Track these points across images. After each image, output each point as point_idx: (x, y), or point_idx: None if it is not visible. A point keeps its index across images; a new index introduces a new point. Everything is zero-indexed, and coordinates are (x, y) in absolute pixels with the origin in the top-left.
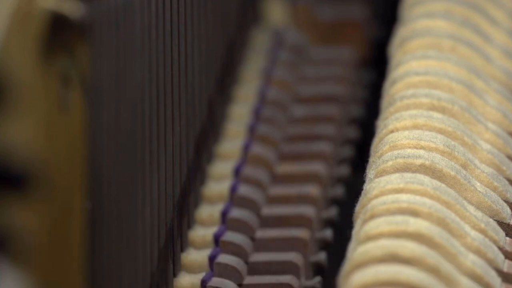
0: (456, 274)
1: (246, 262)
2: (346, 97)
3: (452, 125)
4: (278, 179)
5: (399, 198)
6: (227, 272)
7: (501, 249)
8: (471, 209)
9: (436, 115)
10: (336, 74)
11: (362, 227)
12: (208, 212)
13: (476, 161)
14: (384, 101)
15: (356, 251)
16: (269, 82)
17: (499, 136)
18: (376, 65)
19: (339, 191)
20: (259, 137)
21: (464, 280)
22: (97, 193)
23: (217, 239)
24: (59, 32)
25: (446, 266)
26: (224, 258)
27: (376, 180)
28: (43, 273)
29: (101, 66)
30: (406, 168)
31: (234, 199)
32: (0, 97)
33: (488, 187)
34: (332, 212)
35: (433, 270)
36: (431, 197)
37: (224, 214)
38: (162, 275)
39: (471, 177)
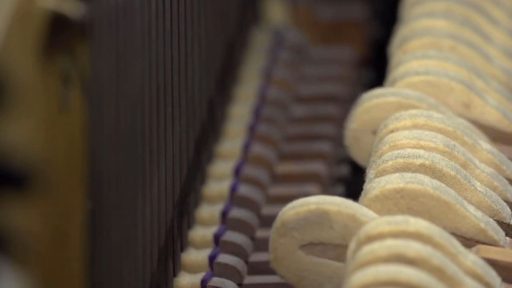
0: (460, 275)
1: (246, 262)
2: (346, 97)
3: (452, 124)
4: (278, 179)
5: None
6: (227, 272)
7: None
8: (471, 208)
9: (436, 114)
10: (336, 74)
11: (362, 227)
12: (208, 212)
13: (476, 161)
14: None
15: (361, 250)
16: (269, 81)
17: None
18: (376, 65)
19: (339, 191)
20: (259, 137)
21: (468, 280)
22: (97, 193)
23: (217, 239)
24: (59, 32)
25: (451, 267)
26: (224, 258)
27: (376, 179)
28: (43, 273)
29: (101, 66)
30: (406, 168)
31: (234, 199)
32: (0, 97)
33: (488, 187)
34: None
35: (438, 271)
36: (431, 197)
37: (224, 214)
38: (162, 275)
39: (471, 177)
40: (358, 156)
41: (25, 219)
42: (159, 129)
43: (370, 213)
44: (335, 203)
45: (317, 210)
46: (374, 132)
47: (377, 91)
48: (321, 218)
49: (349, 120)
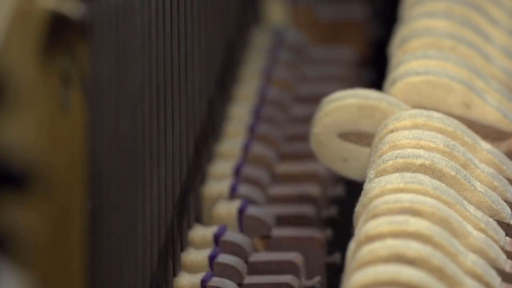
0: (460, 275)
1: (246, 262)
2: None
3: (452, 124)
4: (278, 179)
5: (401, 197)
6: (227, 272)
7: (502, 249)
8: (471, 208)
9: (436, 114)
10: (336, 74)
11: (363, 227)
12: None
13: (476, 161)
14: None
15: (361, 250)
16: (269, 82)
17: None
18: (376, 65)
19: (339, 190)
20: (259, 137)
21: (468, 281)
22: (97, 193)
23: (217, 238)
24: (59, 32)
25: (451, 267)
26: (224, 258)
27: (376, 179)
28: (43, 273)
29: (101, 66)
30: (406, 168)
31: (234, 199)
32: (0, 97)
33: (488, 187)
34: (332, 211)
35: (438, 271)
36: (431, 197)
37: None
38: (162, 275)
39: (471, 177)
40: (325, 160)
41: (25, 219)
42: (159, 129)
43: (460, 219)
44: (429, 205)
45: (411, 208)
46: (338, 135)
47: (336, 94)
48: None
49: (312, 126)
